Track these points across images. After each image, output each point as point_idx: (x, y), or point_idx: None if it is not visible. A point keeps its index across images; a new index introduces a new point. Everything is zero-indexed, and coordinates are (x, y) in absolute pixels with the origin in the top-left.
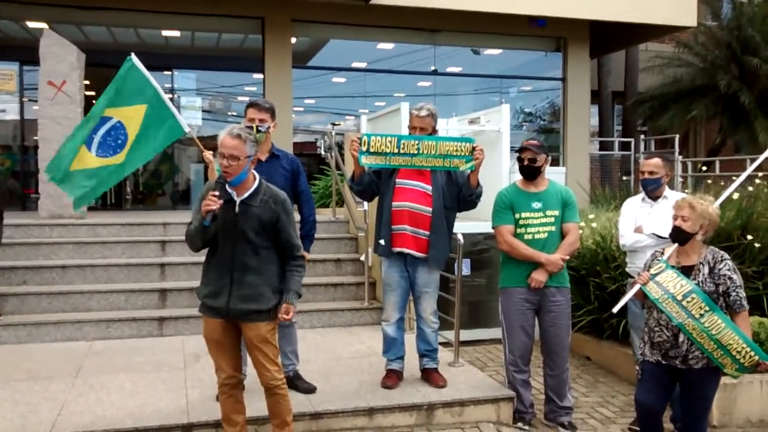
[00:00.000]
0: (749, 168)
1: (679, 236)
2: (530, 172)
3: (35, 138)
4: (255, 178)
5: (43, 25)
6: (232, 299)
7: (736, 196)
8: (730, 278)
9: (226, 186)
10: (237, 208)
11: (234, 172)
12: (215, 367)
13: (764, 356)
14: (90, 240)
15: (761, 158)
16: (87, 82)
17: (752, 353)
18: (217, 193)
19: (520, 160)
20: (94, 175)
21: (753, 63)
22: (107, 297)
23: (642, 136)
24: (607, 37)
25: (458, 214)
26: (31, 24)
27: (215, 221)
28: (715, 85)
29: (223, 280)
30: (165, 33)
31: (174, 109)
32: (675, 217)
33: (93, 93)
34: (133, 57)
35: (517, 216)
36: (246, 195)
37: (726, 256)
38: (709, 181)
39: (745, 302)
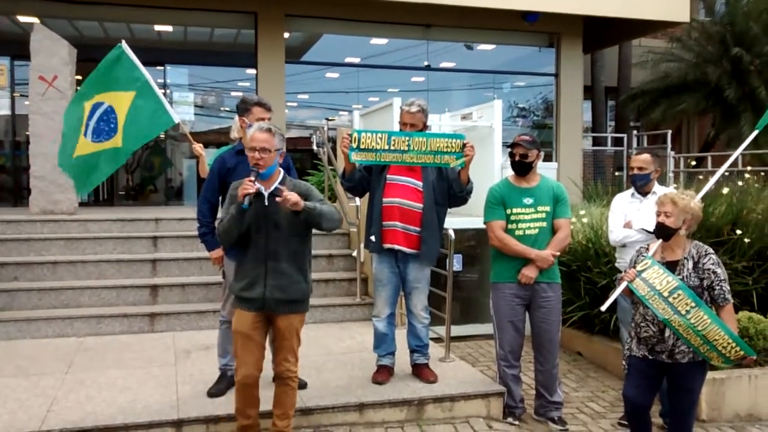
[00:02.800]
0: (726, 164)
1: (663, 232)
2: (522, 168)
3: (27, 133)
4: (280, 172)
5: (34, 20)
6: (268, 289)
7: (726, 191)
8: (714, 272)
9: (255, 181)
10: (267, 200)
11: (265, 164)
12: (237, 362)
13: (749, 351)
14: (81, 236)
15: (736, 154)
16: (79, 78)
17: (737, 348)
18: (252, 178)
19: (511, 155)
20: (93, 161)
21: (743, 57)
22: (98, 293)
23: (635, 132)
24: (601, 33)
25: (450, 210)
26: (21, 18)
27: (252, 205)
28: (705, 81)
29: (258, 269)
30: (157, 28)
31: (163, 99)
32: (658, 214)
33: None
34: (124, 44)
35: (508, 211)
36: (273, 187)
37: (710, 250)
38: (701, 177)
39: (729, 296)
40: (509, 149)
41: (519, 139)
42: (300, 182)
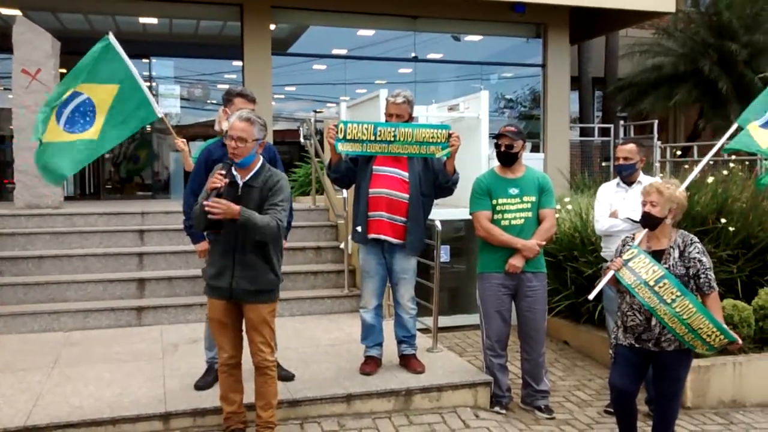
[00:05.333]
0: (711, 152)
1: (649, 221)
2: (507, 158)
3: (11, 127)
4: (259, 161)
5: (17, 12)
6: (235, 280)
7: (711, 180)
8: (699, 261)
9: (232, 168)
10: (240, 191)
11: (241, 154)
12: (217, 347)
13: (732, 337)
14: (67, 230)
15: (720, 143)
16: (63, 71)
17: (721, 336)
18: (223, 171)
19: (497, 146)
20: (66, 151)
21: (730, 48)
22: (84, 287)
23: (621, 122)
24: (587, 24)
25: (437, 201)
26: (3, 11)
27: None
28: (694, 71)
29: (226, 260)
30: (142, 20)
31: (148, 93)
32: (644, 203)
33: None
34: (111, 36)
35: (494, 202)
36: (248, 177)
37: (695, 239)
38: (686, 166)
39: (714, 284)
40: (495, 140)
41: (504, 129)
42: (275, 174)
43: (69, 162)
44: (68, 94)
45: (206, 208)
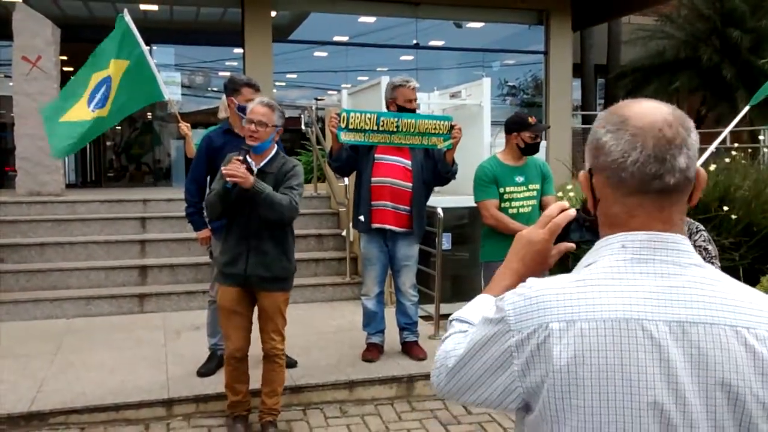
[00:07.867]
0: (717, 140)
1: None
2: (536, 149)
3: (12, 115)
4: (274, 148)
5: None
6: (249, 266)
7: (713, 167)
8: (705, 249)
9: (247, 155)
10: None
11: (259, 138)
12: (225, 337)
13: None
14: (69, 217)
15: (727, 131)
16: (63, 58)
17: None
18: (240, 157)
19: (534, 137)
20: (83, 127)
21: (734, 35)
22: (87, 274)
23: None
24: (590, 10)
25: (437, 189)
26: None
27: (236, 186)
28: (698, 58)
29: (241, 247)
30: (143, 7)
31: (157, 73)
32: None
33: (71, 69)
34: (126, 13)
35: (501, 190)
36: (263, 163)
37: (701, 227)
38: None
39: None
40: (529, 132)
41: (535, 120)
42: (290, 161)
43: (78, 139)
44: (99, 79)
45: (224, 171)
